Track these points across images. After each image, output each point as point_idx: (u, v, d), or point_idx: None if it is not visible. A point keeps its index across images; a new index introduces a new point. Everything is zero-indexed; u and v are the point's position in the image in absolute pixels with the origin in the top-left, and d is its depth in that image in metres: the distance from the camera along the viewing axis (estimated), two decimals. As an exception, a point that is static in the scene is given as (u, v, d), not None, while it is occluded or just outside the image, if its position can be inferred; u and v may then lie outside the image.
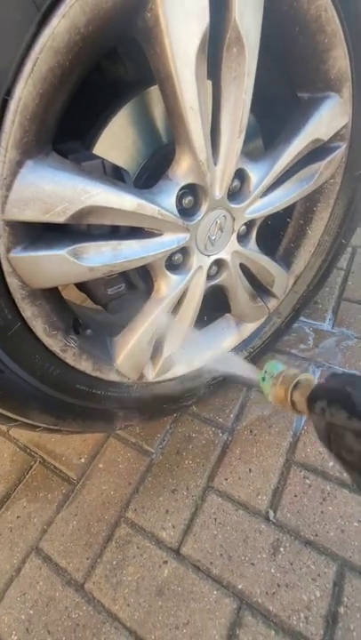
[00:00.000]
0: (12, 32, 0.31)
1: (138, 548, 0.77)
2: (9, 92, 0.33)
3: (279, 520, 0.76)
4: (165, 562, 0.74)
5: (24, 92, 0.34)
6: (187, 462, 0.89)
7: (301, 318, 1.13)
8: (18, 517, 0.86)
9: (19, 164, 0.38)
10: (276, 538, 0.74)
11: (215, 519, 0.78)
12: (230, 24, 0.42)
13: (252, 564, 0.72)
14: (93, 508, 0.84)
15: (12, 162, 0.37)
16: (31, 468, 0.94)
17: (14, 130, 0.35)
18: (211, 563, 0.73)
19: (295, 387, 0.43)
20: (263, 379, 0.47)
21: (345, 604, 0.65)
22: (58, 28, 0.32)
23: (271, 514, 0.77)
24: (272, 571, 0.70)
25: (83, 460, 0.93)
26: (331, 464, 0.83)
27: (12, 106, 0.34)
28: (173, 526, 0.79)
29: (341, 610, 0.65)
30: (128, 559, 0.76)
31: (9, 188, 0.38)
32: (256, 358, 0.98)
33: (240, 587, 0.69)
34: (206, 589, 0.70)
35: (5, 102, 0.33)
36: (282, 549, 0.73)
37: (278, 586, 0.69)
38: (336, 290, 1.22)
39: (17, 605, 0.73)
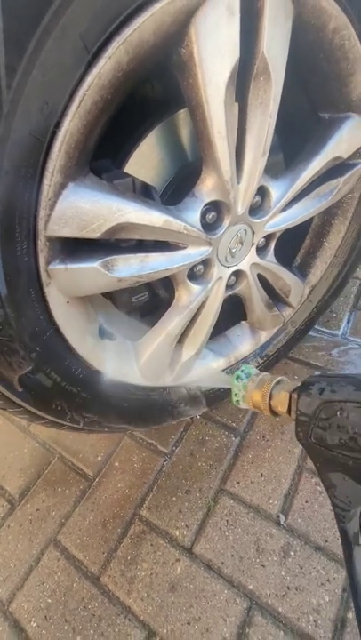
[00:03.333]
0: (65, 73, 0.34)
1: (152, 545, 0.80)
2: (58, 125, 0.36)
3: (290, 525, 0.78)
4: (178, 560, 0.77)
5: (71, 125, 0.37)
6: (200, 464, 0.91)
7: (316, 327, 1.14)
8: (37, 510, 0.90)
9: (62, 187, 0.41)
10: (286, 542, 0.76)
11: (227, 521, 0.81)
12: (259, 56, 0.45)
13: (263, 566, 0.74)
14: (109, 505, 0.88)
15: (57, 185, 0.40)
16: (50, 463, 0.98)
17: (60, 157, 0.39)
18: (222, 563, 0.75)
19: (278, 383, 0.43)
20: (238, 377, 0.47)
21: (353, 610, 0.67)
22: (104, 68, 0.36)
23: (282, 518, 0.79)
24: (282, 573, 0.72)
25: (99, 458, 0.96)
26: (342, 472, 0.84)
27: (60, 136, 0.37)
28: (186, 526, 0.81)
29: (350, 615, 0.66)
30: (142, 555, 0.79)
31: (52, 207, 0.42)
32: (269, 366, 1.00)
33: (250, 587, 0.72)
34: (217, 588, 0.72)
35: (54, 134, 0.37)
36: (292, 553, 0.75)
37: (288, 588, 0.71)
38: (351, 299, 1.23)
39: (36, 594, 0.77)
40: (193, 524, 0.82)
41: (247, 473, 0.88)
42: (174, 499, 0.86)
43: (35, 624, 0.73)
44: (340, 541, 0.73)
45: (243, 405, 0.47)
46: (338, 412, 0.32)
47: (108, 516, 0.86)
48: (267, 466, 0.88)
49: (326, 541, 0.75)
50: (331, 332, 1.15)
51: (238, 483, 0.86)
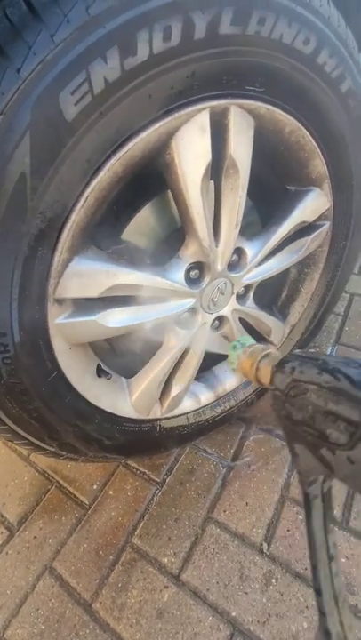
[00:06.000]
0: (73, 184, 0.45)
1: (142, 572, 0.84)
2: (67, 218, 0.47)
3: (272, 553, 0.83)
4: (166, 587, 0.81)
5: (77, 218, 0.48)
6: (189, 493, 0.97)
7: (300, 361, 1.22)
8: (35, 537, 0.95)
9: (68, 260, 0.51)
10: (268, 569, 0.81)
11: (213, 549, 0.86)
12: (228, 157, 0.57)
13: (246, 593, 0.78)
14: (103, 533, 0.92)
15: (65, 260, 0.51)
16: (48, 491, 1.04)
17: (68, 240, 0.49)
18: (207, 590, 0.80)
19: (265, 356, 0.45)
20: (234, 346, 0.49)
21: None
22: (104, 177, 0.47)
23: (265, 546, 0.84)
24: (264, 600, 0.77)
25: (95, 487, 1.02)
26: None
27: (68, 226, 0.48)
28: (175, 553, 0.86)
29: (326, 642, 0.70)
30: (132, 582, 0.83)
31: (60, 276, 0.52)
32: (256, 397, 1.07)
33: (234, 614, 0.76)
34: (203, 615, 0.76)
35: (64, 224, 0.47)
36: (273, 581, 0.79)
37: (269, 615, 0.75)
38: (334, 334, 1.32)
39: (30, 620, 0.81)
40: (181, 551, 0.86)
41: (233, 502, 0.93)
42: (164, 527, 0.91)
43: (28, 650, 0.77)
44: (318, 569, 0.78)
45: (238, 373, 0.50)
46: (303, 392, 0.35)
47: (101, 543, 0.91)
48: (252, 495, 0.93)
49: (306, 569, 0.79)
50: (314, 365, 1.22)
51: (225, 511, 0.92)
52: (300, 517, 0.88)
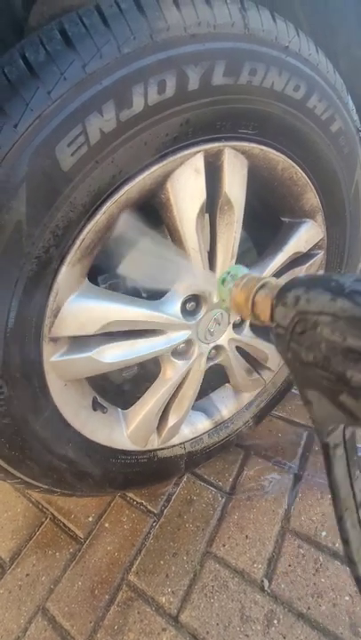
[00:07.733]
0: (69, 228, 0.45)
1: (138, 613, 0.81)
2: (62, 261, 0.47)
3: (273, 591, 0.80)
4: (164, 629, 0.78)
5: (73, 258, 0.48)
6: (187, 525, 0.94)
7: (297, 385, 1.21)
8: (27, 575, 0.91)
9: (64, 300, 0.51)
10: (270, 609, 0.78)
11: (212, 587, 0.82)
12: (222, 194, 0.58)
13: (247, 635, 0.75)
14: (98, 569, 0.89)
15: (61, 299, 0.50)
16: (42, 524, 1.00)
17: (63, 280, 0.49)
18: (207, 632, 0.76)
19: (262, 287, 0.36)
20: (224, 280, 0.40)
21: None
22: (100, 219, 0.47)
23: (266, 583, 0.81)
24: (266, 644, 0.73)
25: (90, 519, 0.99)
26: (324, 534, 0.87)
27: (63, 268, 0.48)
28: (173, 592, 0.83)
29: None
30: (129, 624, 0.79)
31: (56, 315, 0.51)
32: (254, 423, 1.06)
33: (235, 659, 0.72)
34: (202, 660, 0.73)
35: (59, 266, 0.47)
36: (275, 622, 0.76)
37: (271, 660, 0.71)
38: (331, 357, 1.32)
39: (21, 668, 0.77)
40: (179, 589, 0.83)
41: (233, 535, 0.90)
42: (162, 562, 0.88)
43: None
44: (321, 609, 0.75)
45: (232, 312, 0.40)
46: (313, 326, 0.28)
47: (96, 581, 0.87)
48: (251, 527, 0.91)
49: (309, 608, 0.77)
50: (312, 389, 1.22)
51: (224, 545, 0.89)
52: (301, 551, 0.85)
